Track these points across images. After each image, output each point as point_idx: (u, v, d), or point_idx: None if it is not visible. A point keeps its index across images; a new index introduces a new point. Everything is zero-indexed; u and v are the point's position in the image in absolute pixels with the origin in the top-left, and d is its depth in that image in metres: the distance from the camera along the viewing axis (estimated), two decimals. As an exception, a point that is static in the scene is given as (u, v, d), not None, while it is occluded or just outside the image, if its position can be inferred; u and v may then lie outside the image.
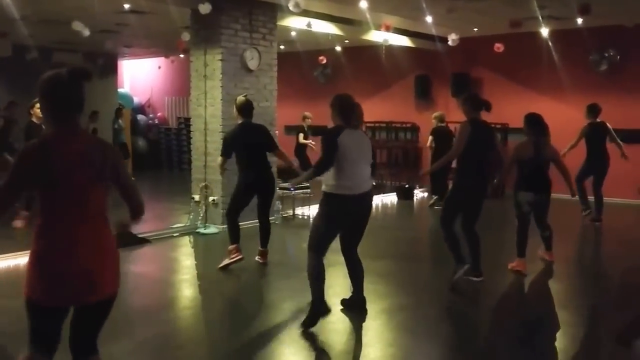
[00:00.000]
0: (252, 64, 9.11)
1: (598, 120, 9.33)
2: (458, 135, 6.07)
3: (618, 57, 11.69)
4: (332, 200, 4.83)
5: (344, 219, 4.94)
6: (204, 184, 8.93)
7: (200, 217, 8.86)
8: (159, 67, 18.23)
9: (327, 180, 4.83)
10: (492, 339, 4.92)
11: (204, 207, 8.90)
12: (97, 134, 12.60)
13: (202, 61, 8.94)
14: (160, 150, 18.28)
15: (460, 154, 5.94)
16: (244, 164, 6.69)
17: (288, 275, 6.46)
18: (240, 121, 6.72)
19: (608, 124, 9.35)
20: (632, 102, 11.53)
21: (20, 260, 6.67)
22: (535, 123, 6.52)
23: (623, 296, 5.98)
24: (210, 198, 8.85)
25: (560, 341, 4.76)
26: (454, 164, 6.39)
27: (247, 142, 6.62)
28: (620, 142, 9.28)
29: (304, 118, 12.00)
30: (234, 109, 6.80)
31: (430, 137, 11.09)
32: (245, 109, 6.72)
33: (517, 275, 6.46)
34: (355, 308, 5.22)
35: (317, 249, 4.90)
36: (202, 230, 8.66)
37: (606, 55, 11.76)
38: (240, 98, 6.82)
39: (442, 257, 6.80)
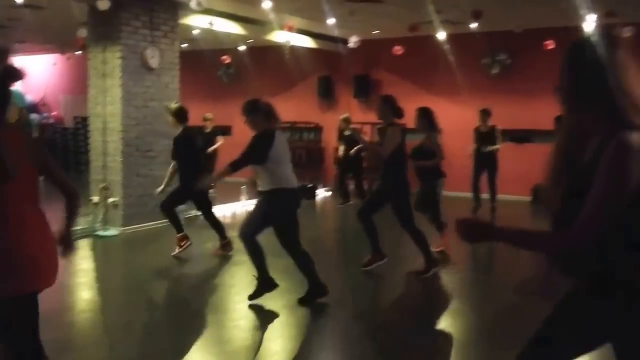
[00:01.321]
0: (153, 62, 8.92)
1: (489, 124, 9.94)
2: (391, 137, 6.26)
3: (509, 60, 12.37)
4: (282, 194, 5.14)
5: (294, 211, 5.30)
6: (103, 185, 8.65)
7: (99, 220, 8.58)
8: (54, 64, 17.47)
9: (269, 178, 5.11)
10: (391, 330, 5.06)
11: (103, 209, 8.63)
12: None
13: (101, 59, 8.67)
14: (56, 150, 17.51)
15: (389, 155, 6.20)
16: (193, 166, 6.98)
17: (189, 274, 6.41)
18: (182, 127, 7.03)
19: (497, 128, 9.99)
20: (521, 104, 12.22)
21: None
22: (427, 114, 7.16)
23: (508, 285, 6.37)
24: (110, 200, 8.59)
25: (454, 327, 5.02)
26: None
27: (197, 146, 7.32)
28: (498, 146, 9.99)
29: (205, 120, 11.59)
30: (170, 116, 7.06)
31: (342, 147, 11.25)
32: (185, 114, 7.07)
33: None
34: (313, 298, 5.40)
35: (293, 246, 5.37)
36: (101, 233, 8.39)
37: (497, 58, 12.43)
38: (175, 104, 7.20)
39: (344, 254, 6.98)
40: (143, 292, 6.11)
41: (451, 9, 9.65)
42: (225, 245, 7.28)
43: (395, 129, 6.30)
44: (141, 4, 8.73)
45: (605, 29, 2.19)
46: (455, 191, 10.48)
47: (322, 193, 13.09)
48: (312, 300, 5.36)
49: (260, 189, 5.22)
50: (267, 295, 5.41)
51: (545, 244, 2.11)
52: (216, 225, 7.34)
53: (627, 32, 10.29)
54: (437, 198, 7.17)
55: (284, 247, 5.34)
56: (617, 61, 2.05)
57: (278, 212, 5.21)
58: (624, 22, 10.25)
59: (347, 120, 11.07)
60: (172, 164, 7.24)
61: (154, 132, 8.99)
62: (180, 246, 7.08)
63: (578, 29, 10.41)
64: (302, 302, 5.38)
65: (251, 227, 5.30)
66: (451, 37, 11.68)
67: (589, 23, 9.96)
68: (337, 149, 11.42)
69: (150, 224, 8.71)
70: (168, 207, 7.07)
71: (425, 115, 7.16)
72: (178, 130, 7.07)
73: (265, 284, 5.37)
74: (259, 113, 5.30)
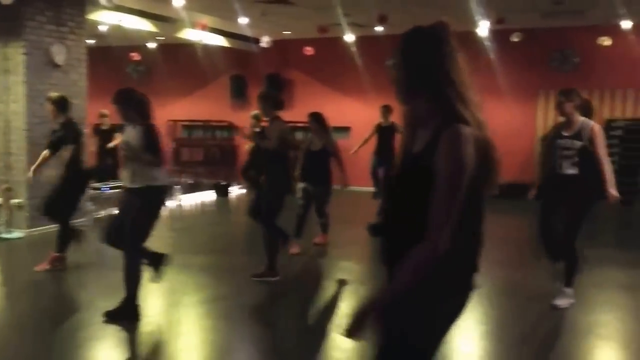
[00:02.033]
0: (59, 59, 8.72)
1: (390, 120, 10.34)
2: (274, 130, 6.20)
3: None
4: (157, 192, 4.95)
5: (159, 211, 5.07)
6: (5, 186, 8.39)
7: (2, 222, 8.32)
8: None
9: (147, 174, 4.86)
10: (307, 319, 5.28)
11: (7, 211, 8.37)
12: None
13: (2, 54, 8.38)
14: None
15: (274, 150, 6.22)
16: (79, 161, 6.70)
17: (99, 275, 6.37)
18: (64, 118, 6.58)
19: (396, 124, 10.41)
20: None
21: None
22: (319, 120, 7.43)
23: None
24: (14, 201, 8.34)
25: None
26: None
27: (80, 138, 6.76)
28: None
29: (101, 116, 10.92)
30: (52, 106, 6.59)
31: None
32: (67, 103, 6.66)
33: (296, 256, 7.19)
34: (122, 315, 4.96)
35: (140, 246, 4.98)
36: (4, 235, 8.14)
37: (402, 60, 12.94)
38: (56, 94, 6.75)
39: (256, 249, 7.12)
40: (50, 293, 6.01)
41: (358, 12, 10.00)
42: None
43: (280, 122, 6.24)
44: (47, -1, 8.52)
45: (439, 23, 2.15)
46: (363, 186, 10.84)
47: (235, 190, 13.17)
48: (120, 316, 4.90)
49: (129, 185, 4.93)
50: (182, 291, 5.43)
51: (418, 273, 1.93)
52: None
53: (516, 37, 11.05)
54: (327, 199, 7.56)
55: (126, 243, 4.97)
56: (448, 55, 2.05)
57: (146, 210, 4.92)
58: (514, 28, 11.00)
59: (257, 117, 11.16)
60: (44, 152, 6.59)
61: (60, 130, 8.78)
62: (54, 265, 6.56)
63: (473, 34, 11.08)
64: (110, 315, 4.93)
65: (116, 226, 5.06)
66: (359, 40, 12.06)
67: (482, 28, 10.61)
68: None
69: (56, 226, 8.53)
70: (59, 214, 6.64)
71: (317, 120, 7.48)
72: (59, 120, 6.57)
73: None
74: (132, 104, 5.06)
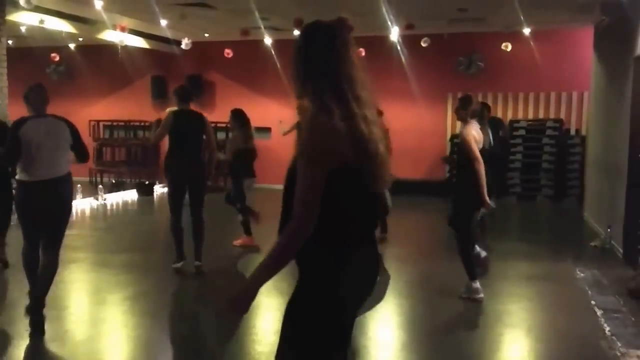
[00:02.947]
0: (-23, 58, 8.71)
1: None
2: (162, 123, 6.52)
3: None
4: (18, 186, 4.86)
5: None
6: None
7: None
8: None
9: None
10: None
11: None
12: None
13: None
14: None
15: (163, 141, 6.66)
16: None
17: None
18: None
19: None
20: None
21: None
22: (239, 115, 7.79)
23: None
24: None
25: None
26: None
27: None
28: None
29: None
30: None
31: None
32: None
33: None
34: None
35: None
36: None
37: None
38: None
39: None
40: None
41: (275, 16, 10.41)
42: None
43: (167, 115, 6.52)
44: (-36, -1, 8.49)
45: (337, 19, 2.19)
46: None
47: (158, 189, 13.31)
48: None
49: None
50: (105, 289, 5.59)
51: (285, 250, 2.02)
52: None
53: (425, 42, 11.74)
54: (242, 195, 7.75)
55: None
56: (338, 50, 2.10)
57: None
58: (423, 33, 11.69)
59: None
60: None
61: (-21, 130, 8.73)
62: None
63: (386, 39, 11.71)
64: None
65: None
66: (277, 43, 12.48)
67: (394, 34, 11.24)
68: None
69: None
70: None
71: (237, 116, 7.85)
72: None
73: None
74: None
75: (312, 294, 2.11)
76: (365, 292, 2.21)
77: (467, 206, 5.63)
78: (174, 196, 6.51)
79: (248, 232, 7.78)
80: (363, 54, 12.10)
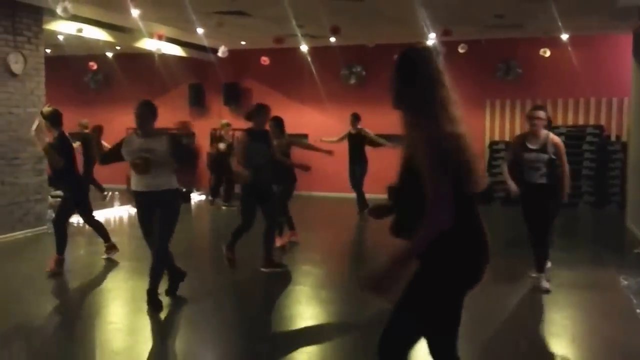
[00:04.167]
0: (17, 68, 8.84)
1: (359, 127, 10.81)
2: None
3: (363, 72, 13.43)
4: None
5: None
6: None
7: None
8: None
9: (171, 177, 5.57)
10: (265, 317, 5.54)
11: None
12: None
13: (-40, 64, 8.48)
14: None
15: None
16: (73, 172, 7.07)
17: (63, 281, 6.52)
18: (57, 132, 6.83)
19: (367, 131, 10.84)
20: (376, 112, 13.21)
21: None
22: (279, 124, 7.87)
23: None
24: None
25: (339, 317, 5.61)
26: None
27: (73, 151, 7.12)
28: (382, 142, 10.67)
29: (83, 126, 11.56)
30: (44, 120, 6.90)
31: (223, 144, 11.76)
32: (59, 117, 6.91)
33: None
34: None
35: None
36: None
37: (354, 70, 13.47)
38: (48, 108, 7.03)
39: (219, 254, 7.39)
40: (15, 301, 6.02)
41: (312, 24, 10.37)
42: (110, 247, 7.46)
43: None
44: (2, 9, 8.60)
45: (426, 47, 2.61)
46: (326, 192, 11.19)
47: (196, 197, 13.37)
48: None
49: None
50: (143, 298, 5.61)
51: (423, 240, 2.36)
52: (99, 229, 7.41)
53: (462, 49, 11.58)
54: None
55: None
56: (430, 74, 2.46)
57: None
58: (460, 39, 11.53)
59: (229, 125, 11.78)
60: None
61: (19, 139, 8.86)
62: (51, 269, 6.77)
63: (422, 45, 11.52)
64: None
65: None
66: (313, 50, 12.45)
67: (430, 40, 11.11)
68: (217, 150, 11.92)
69: (18, 233, 8.64)
70: (60, 223, 6.91)
71: (277, 124, 7.88)
72: (53, 135, 6.79)
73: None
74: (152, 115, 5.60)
75: (443, 272, 2.47)
76: (480, 276, 2.56)
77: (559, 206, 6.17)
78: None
79: (292, 226, 8.23)
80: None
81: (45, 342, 4.84)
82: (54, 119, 6.82)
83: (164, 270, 5.65)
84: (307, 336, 5.03)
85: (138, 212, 5.70)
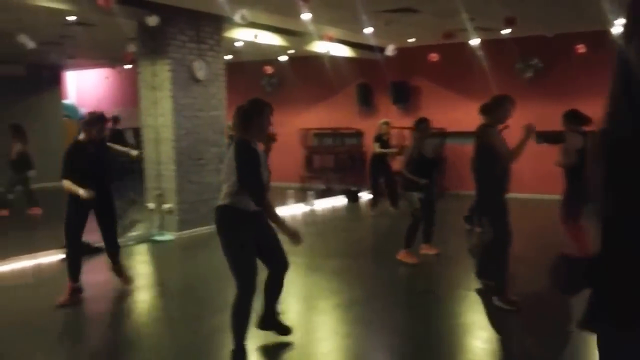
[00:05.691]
0: (201, 74, 9.39)
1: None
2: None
3: (541, 65, 12.59)
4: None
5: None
6: (158, 192, 9.17)
7: (155, 225, 9.11)
8: (106, 78, 18.19)
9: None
10: (439, 327, 5.35)
11: (159, 215, 9.14)
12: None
13: (150, 72, 9.12)
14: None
15: None
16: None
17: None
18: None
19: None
20: (555, 106, 12.37)
21: None
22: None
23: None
24: (165, 206, 9.10)
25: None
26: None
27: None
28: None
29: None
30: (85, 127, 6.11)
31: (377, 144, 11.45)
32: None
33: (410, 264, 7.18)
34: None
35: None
36: (157, 238, 8.91)
37: (531, 63, 12.67)
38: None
39: (386, 254, 7.33)
40: (201, 292, 6.45)
41: (484, 16, 9.93)
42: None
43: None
44: (187, 19, 9.20)
45: None
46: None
47: (365, 196, 13.45)
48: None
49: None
50: (318, 295, 5.67)
51: None
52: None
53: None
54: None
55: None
56: None
57: None
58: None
59: (387, 124, 11.37)
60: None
61: (203, 140, 9.47)
62: None
63: (607, 33, 10.59)
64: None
65: None
66: (485, 43, 11.94)
67: (618, 27, 10.12)
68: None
69: (203, 229, 9.17)
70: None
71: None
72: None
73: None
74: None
75: None
76: None
77: None
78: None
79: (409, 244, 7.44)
80: (582, 50, 11.14)
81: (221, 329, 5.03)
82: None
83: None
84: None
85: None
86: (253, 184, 4.15)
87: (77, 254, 6.00)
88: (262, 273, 4.50)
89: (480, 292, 6.04)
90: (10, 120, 12.03)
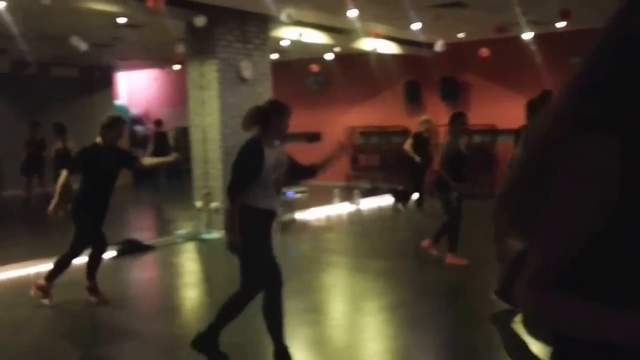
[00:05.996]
0: (247, 73, 9.42)
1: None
2: None
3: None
4: None
5: None
6: (205, 191, 9.23)
7: (203, 224, 9.17)
8: (155, 79, 18.45)
9: None
10: (487, 331, 5.20)
11: (206, 214, 9.20)
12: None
13: (198, 72, 9.22)
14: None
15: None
16: None
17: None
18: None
19: None
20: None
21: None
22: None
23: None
24: (212, 204, 9.15)
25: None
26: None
27: None
28: None
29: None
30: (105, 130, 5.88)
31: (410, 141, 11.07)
32: None
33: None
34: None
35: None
36: (205, 236, 8.97)
37: (586, 57, 12.20)
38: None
39: (431, 255, 7.17)
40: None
41: (537, 9, 9.63)
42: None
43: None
44: (234, 19, 9.24)
45: None
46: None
47: (414, 195, 13.21)
48: None
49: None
50: (365, 297, 5.59)
51: None
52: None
53: None
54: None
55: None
56: None
57: None
58: None
59: (428, 122, 10.84)
60: None
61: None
62: None
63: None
64: None
65: None
66: (538, 37, 11.60)
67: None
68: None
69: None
70: None
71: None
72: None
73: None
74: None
75: None
76: None
77: None
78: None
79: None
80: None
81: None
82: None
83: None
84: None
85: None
86: (234, 177, 4.19)
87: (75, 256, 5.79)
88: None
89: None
90: (66, 121, 12.28)
